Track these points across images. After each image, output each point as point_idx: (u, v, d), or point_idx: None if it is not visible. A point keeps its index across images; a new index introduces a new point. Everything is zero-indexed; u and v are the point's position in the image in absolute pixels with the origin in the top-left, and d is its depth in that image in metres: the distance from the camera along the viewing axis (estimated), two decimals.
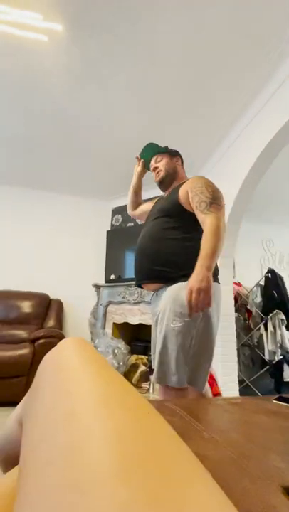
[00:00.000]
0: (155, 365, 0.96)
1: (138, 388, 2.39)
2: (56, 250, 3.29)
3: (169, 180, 1.26)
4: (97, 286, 3.05)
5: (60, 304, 2.96)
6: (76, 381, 0.25)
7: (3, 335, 2.45)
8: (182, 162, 1.34)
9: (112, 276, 2.96)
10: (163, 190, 1.31)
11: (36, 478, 0.17)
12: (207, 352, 0.97)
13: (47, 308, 2.86)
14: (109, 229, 3.39)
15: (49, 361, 0.32)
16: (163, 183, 1.28)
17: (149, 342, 2.71)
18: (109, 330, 2.80)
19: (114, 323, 2.83)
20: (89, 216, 3.51)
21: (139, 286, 1.17)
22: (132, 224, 3.24)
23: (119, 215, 3.42)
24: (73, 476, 0.15)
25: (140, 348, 2.81)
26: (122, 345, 2.46)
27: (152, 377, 0.94)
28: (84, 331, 2.96)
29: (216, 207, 1.00)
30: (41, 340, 2.19)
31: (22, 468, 0.20)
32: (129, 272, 2.91)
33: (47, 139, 2.47)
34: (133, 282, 2.72)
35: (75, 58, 1.69)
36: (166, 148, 1.33)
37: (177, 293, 0.97)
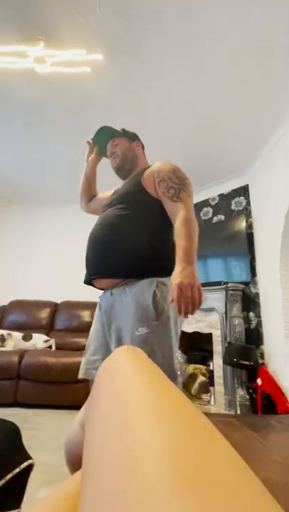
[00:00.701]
0: None
1: (197, 400, 2.30)
2: None
3: (129, 167, 1.13)
4: None
5: None
6: (129, 390, 0.26)
7: (66, 342, 2.67)
8: (143, 147, 1.20)
9: None
10: (122, 178, 1.17)
11: (93, 487, 0.18)
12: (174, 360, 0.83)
13: None
14: None
15: (104, 369, 0.33)
16: (122, 170, 1.14)
17: (207, 351, 2.62)
18: None
19: None
20: None
21: (88, 283, 1.01)
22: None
23: None
24: (127, 490, 0.15)
25: (197, 357, 2.72)
26: (178, 354, 2.41)
27: None
28: None
29: (184, 195, 0.90)
30: None
31: (83, 473, 0.21)
32: None
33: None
34: None
35: (116, 80, 1.80)
36: (122, 130, 1.17)
37: (139, 294, 0.83)
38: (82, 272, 3.44)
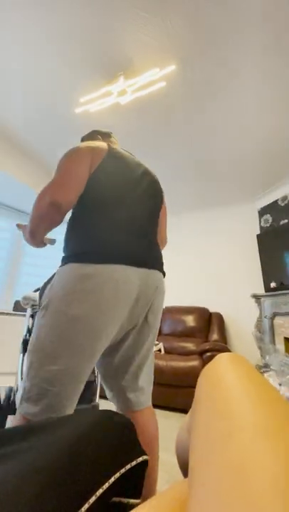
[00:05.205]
0: None
1: None
2: (208, 265, 3.39)
3: None
4: (256, 297, 2.80)
5: (220, 318, 2.96)
6: (231, 401, 0.24)
7: (174, 347, 2.75)
8: None
9: (273, 284, 2.62)
10: None
11: (197, 496, 0.17)
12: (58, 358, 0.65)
13: (208, 321, 2.94)
14: (258, 233, 3.10)
15: (205, 377, 0.32)
16: None
17: None
18: (280, 346, 2.44)
19: (285, 338, 2.44)
20: (234, 224, 3.39)
21: None
22: (287, 221, 2.78)
23: (268, 215, 3.06)
24: (231, 507, 0.14)
25: None
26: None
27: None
28: (250, 345, 2.76)
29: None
30: (208, 353, 2.26)
31: (189, 481, 0.21)
32: None
33: (182, 167, 2.72)
34: None
35: (191, 85, 1.80)
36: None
37: None
38: (180, 277, 3.48)
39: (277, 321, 2.53)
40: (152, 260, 0.83)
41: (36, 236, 0.82)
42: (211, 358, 2.20)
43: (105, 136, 1.07)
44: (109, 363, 0.80)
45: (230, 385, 0.27)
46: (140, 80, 1.77)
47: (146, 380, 0.84)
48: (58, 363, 0.64)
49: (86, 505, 0.26)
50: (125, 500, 0.33)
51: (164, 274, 0.89)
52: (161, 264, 0.88)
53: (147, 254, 0.81)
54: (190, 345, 2.68)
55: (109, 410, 0.42)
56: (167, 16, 1.40)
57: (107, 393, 0.85)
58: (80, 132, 2.25)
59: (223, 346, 2.33)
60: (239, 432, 0.20)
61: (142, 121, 2.13)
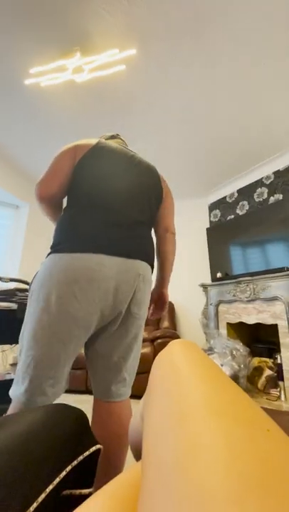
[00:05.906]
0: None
1: (266, 395, 2.15)
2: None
3: None
4: (204, 286, 3.01)
5: (171, 306, 3.10)
6: (185, 385, 0.25)
7: None
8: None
9: (219, 274, 2.84)
10: None
11: (149, 481, 0.18)
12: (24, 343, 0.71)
13: None
14: (208, 226, 3.30)
15: (159, 363, 0.33)
16: None
17: (273, 344, 2.44)
18: (223, 330, 2.69)
19: (228, 323, 2.69)
20: (186, 216, 3.54)
21: None
22: (233, 216, 3.02)
23: (217, 210, 3.28)
24: (182, 490, 0.14)
25: (262, 350, 2.54)
26: (240, 347, 2.30)
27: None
28: (198, 331, 2.97)
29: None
30: (159, 340, 2.36)
31: (142, 465, 0.22)
32: (237, 268, 2.71)
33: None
34: (243, 279, 2.52)
35: (151, 73, 1.77)
36: None
37: None
38: None
39: (221, 308, 2.77)
40: (134, 250, 0.82)
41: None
42: (161, 344, 2.31)
43: (110, 138, 1.10)
44: (93, 351, 0.81)
45: (182, 370, 0.28)
46: (98, 59, 1.67)
47: (129, 372, 0.84)
48: (35, 348, 0.67)
49: (35, 504, 0.25)
50: (76, 491, 0.32)
51: (151, 264, 0.89)
52: (147, 254, 0.87)
53: (127, 245, 0.81)
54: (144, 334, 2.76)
55: (60, 404, 0.41)
56: None
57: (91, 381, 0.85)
58: (29, 105, 2.05)
59: (173, 333, 2.46)
60: (192, 413, 0.21)
61: (98, 103, 2.04)
